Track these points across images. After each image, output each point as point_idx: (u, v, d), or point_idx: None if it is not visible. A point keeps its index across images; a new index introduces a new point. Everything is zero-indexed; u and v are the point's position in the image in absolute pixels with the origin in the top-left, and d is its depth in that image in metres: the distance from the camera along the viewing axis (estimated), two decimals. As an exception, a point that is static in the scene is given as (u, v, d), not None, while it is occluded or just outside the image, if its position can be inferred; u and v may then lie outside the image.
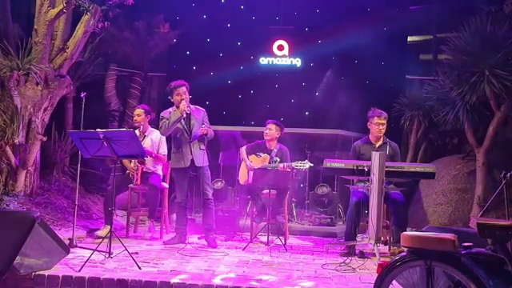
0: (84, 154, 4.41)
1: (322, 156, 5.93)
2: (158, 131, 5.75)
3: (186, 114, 5.10)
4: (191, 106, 5.21)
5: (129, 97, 8.12)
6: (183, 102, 5.04)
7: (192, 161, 5.11)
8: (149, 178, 5.51)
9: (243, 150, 5.88)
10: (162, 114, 5.23)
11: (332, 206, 6.63)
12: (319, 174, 6.89)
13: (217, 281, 3.66)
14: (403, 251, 2.77)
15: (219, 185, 6.65)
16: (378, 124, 5.20)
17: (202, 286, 3.56)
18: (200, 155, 5.14)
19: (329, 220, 6.38)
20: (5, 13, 6.47)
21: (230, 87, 8.43)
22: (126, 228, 5.63)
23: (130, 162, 5.54)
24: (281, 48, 8.46)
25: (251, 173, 5.64)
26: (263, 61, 8.46)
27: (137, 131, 5.37)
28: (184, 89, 5.13)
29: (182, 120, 5.11)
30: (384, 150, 5.00)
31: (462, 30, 6.08)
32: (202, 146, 5.19)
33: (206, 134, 5.11)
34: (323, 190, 6.65)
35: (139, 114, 5.68)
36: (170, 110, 5.19)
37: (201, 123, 5.20)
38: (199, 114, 5.24)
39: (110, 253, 4.20)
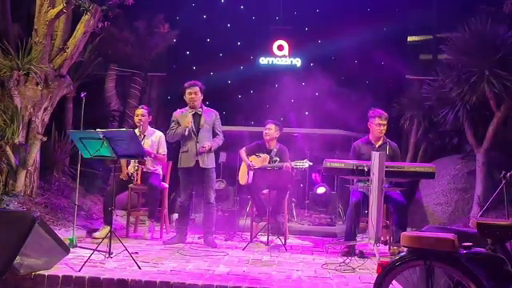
0: (84, 153, 4.41)
1: (322, 156, 5.93)
2: (157, 131, 5.78)
3: (197, 113, 5.19)
4: (204, 107, 5.28)
5: (129, 97, 8.12)
6: (188, 117, 5.11)
7: (197, 162, 5.12)
8: (149, 178, 5.52)
9: (243, 151, 5.87)
10: (174, 113, 5.30)
11: (331, 206, 6.63)
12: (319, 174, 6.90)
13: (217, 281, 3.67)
14: (403, 251, 2.77)
15: (220, 185, 6.65)
16: (378, 124, 5.19)
17: (202, 286, 3.56)
18: (206, 157, 5.15)
19: (328, 220, 6.38)
20: (5, 13, 6.47)
21: (230, 87, 8.43)
22: (126, 228, 5.63)
23: (128, 165, 5.54)
24: (281, 48, 8.46)
25: (251, 173, 5.64)
26: (263, 61, 8.47)
27: (136, 131, 5.38)
28: (196, 89, 5.19)
29: (191, 119, 5.15)
30: (384, 150, 5.00)
31: (462, 30, 6.08)
32: None
33: (209, 150, 5.16)
34: (321, 189, 6.65)
35: (143, 114, 5.68)
36: (183, 110, 5.27)
37: (211, 125, 5.25)
38: (210, 116, 5.27)
39: (109, 253, 4.20)
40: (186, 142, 5.19)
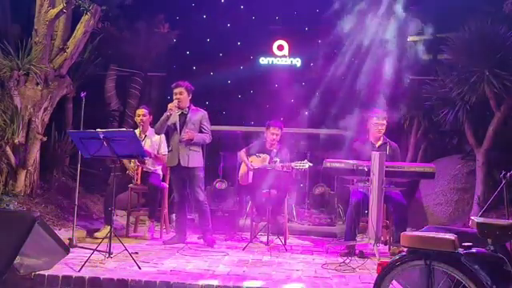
0: (84, 153, 4.41)
1: (322, 156, 5.92)
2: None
3: (183, 113, 5.18)
4: (192, 107, 5.25)
5: (129, 97, 8.12)
6: (174, 101, 5.09)
7: (179, 160, 5.12)
8: (149, 178, 5.52)
9: (242, 153, 5.85)
10: None
11: (329, 206, 6.62)
12: (319, 174, 6.89)
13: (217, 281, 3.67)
14: (403, 251, 2.77)
15: (221, 185, 6.64)
16: (376, 124, 5.20)
17: (202, 286, 3.56)
18: (187, 156, 5.12)
19: (328, 220, 6.38)
20: (5, 13, 6.47)
21: (230, 87, 8.43)
22: (126, 228, 5.63)
23: (130, 161, 5.54)
24: (281, 48, 8.46)
25: (251, 173, 5.64)
26: (263, 61, 8.46)
27: (137, 131, 5.38)
28: (181, 89, 5.16)
29: (177, 118, 5.14)
30: (384, 150, 5.01)
31: (462, 30, 6.07)
32: (194, 147, 5.18)
33: (191, 140, 5.10)
34: (320, 190, 6.65)
35: (144, 114, 5.70)
36: None
37: (196, 124, 5.21)
38: (196, 116, 5.25)
39: (109, 253, 4.20)
40: (172, 141, 5.21)
